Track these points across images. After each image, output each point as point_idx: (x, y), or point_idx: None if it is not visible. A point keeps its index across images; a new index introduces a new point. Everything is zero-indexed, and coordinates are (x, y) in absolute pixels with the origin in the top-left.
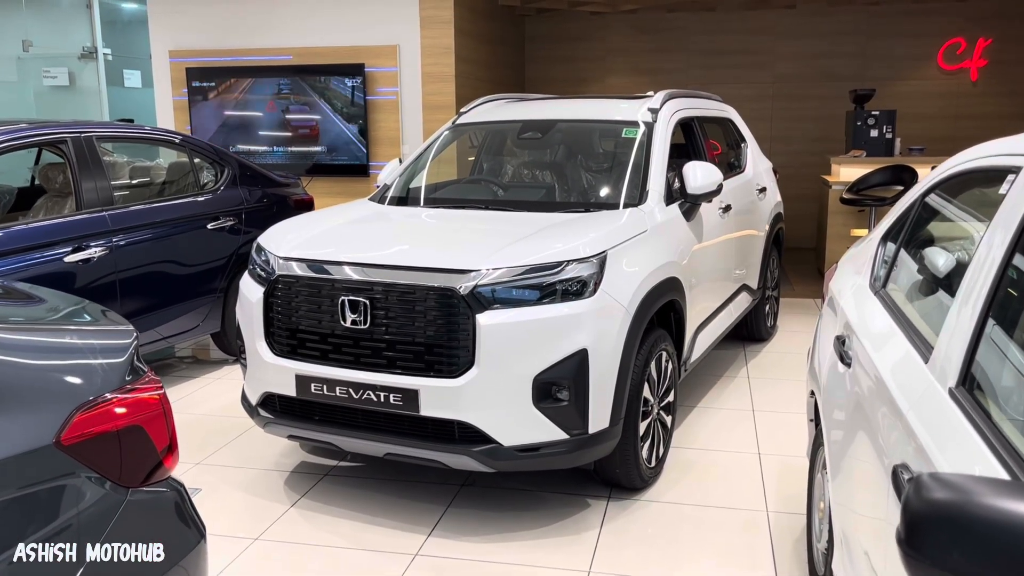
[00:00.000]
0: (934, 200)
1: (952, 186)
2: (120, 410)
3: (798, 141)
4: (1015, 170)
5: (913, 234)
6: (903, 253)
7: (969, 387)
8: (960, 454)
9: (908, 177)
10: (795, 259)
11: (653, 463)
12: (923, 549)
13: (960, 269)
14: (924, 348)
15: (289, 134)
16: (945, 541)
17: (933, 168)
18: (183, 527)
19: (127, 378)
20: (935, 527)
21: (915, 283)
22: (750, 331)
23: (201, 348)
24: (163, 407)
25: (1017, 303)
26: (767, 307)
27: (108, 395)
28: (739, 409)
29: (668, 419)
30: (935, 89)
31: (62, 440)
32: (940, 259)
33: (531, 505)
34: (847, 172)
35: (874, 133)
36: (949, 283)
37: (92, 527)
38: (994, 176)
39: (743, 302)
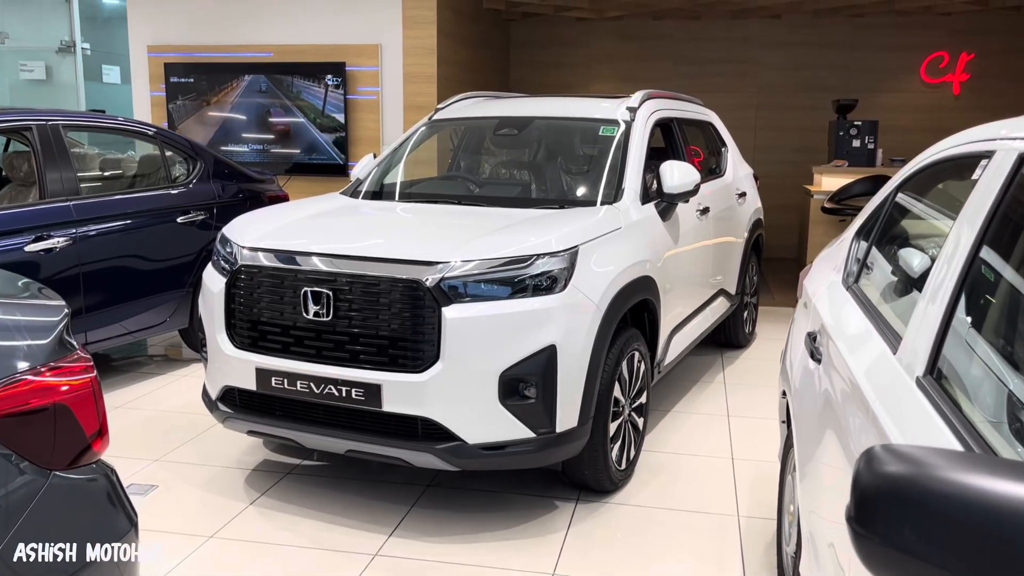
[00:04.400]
0: (907, 194)
1: (925, 177)
2: (43, 389)
3: (781, 151)
4: (988, 155)
5: (885, 229)
6: (875, 248)
7: (936, 376)
8: (927, 440)
9: None
10: (776, 268)
11: (623, 465)
12: (873, 527)
13: (929, 262)
14: (893, 339)
15: (268, 133)
16: (897, 517)
17: None
18: (112, 512)
19: (54, 355)
20: (886, 502)
21: (886, 276)
22: (728, 337)
23: (173, 347)
24: (92, 387)
25: (986, 292)
26: (745, 313)
27: (30, 373)
28: (714, 414)
29: (640, 421)
30: (918, 102)
31: None
32: (910, 253)
33: (497, 507)
34: (829, 182)
35: (856, 143)
36: (919, 275)
37: (10, 510)
38: (967, 164)
39: (720, 307)
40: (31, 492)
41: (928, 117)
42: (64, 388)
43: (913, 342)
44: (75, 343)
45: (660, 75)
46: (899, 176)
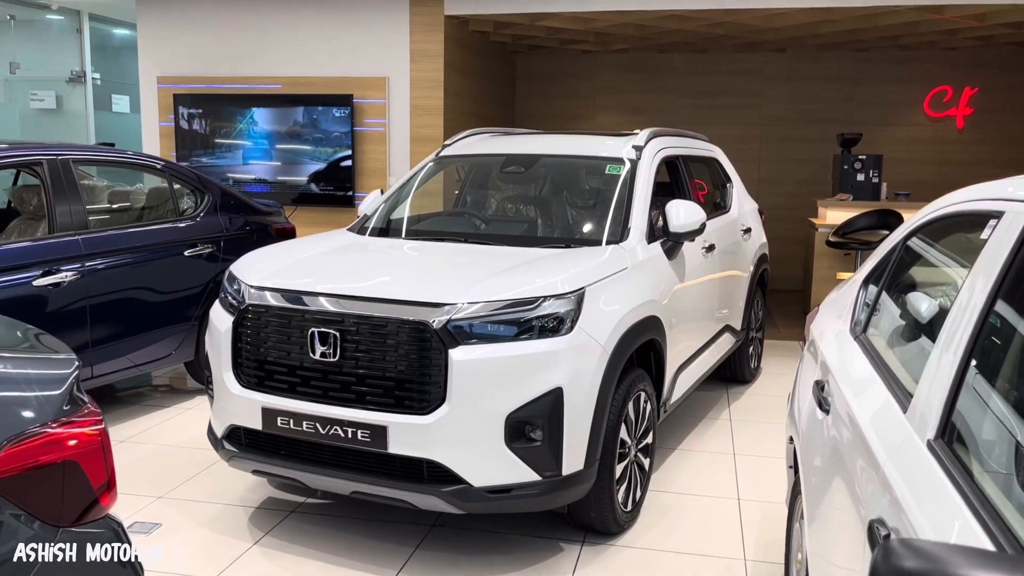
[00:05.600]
0: (916, 244)
1: (934, 230)
2: (53, 444)
3: (785, 183)
4: (997, 215)
5: (894, 278)
6: (884, 297)
7: (948, 439)
8: (937, 510)
9: (894, 221)
10: (781, 301)
11: (629, 507)
12: None
13: (941, 316)
14: (903, 397)
15: (275, 163)
16: None
17: None
18: (118, 571)
19: (64, 410)
20: None
21: (896, 329)
22: (733, 372)
23: (178, 376)
24: (101, 442)
25: (998, 352)
26: (751, 348)
27: (40, 428)
28: (720, 452)
29: (646, 461)
30: (921, 135)
31: None
32: (921, 305)
33: (503, 548)
34: (833, 215)
35: (861, 177)
36: (930, 329)
37: (19, 569)
38: (976, 221)
39: (726, 343)
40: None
41: (932, 150)
42: (74, 443)
43: (924, 402)
44: (85, 397)
45: (665, 107)
46: (907, 226)
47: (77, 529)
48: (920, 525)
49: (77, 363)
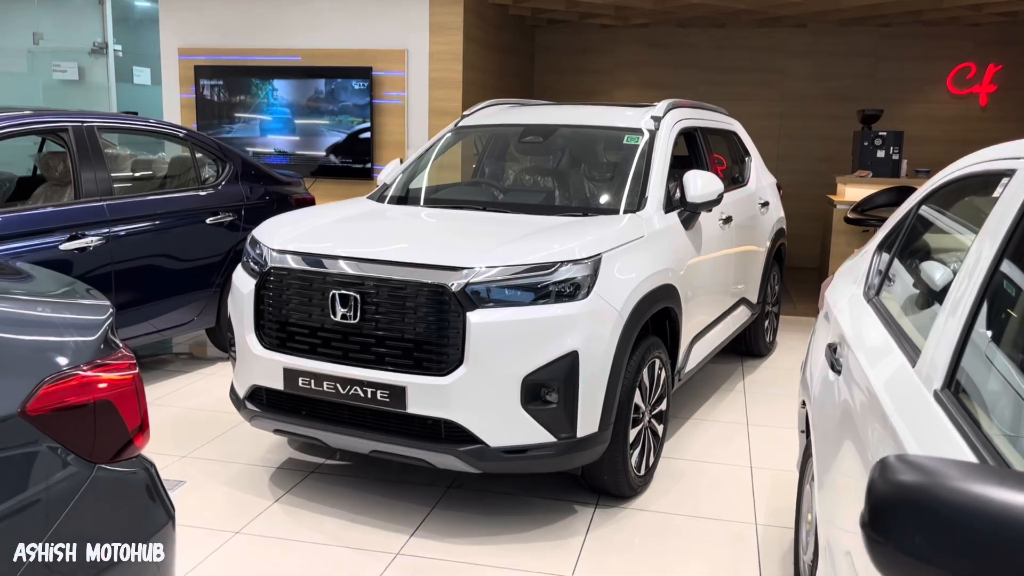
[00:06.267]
0: (929, 208)
1: (948, 193)
2: (88, 384)
3: (805, 160)
4: (1009, 173)
5: (908, 242)
6: (897, 261)
7: (955, 390)
8: (943, 455)
9: None
10: (798, 278)
11: (643, 471)
12: (886, 532)
13: (950, 277)
14: (912, 352)
15: (295, 135)
16: (909, 525)
17: None
18: (151, 505)
19: (100, 351)
20: (899, 510)
21: (907, 291)
22: (748, 346)
23: (198, 345)
24: (135, 384)
25: (1005, 306)
26: (766, 322)
27: (75, 370)
28: (733, 422)
29: (660, 428)
30: (944, 112)
31: (28, 410)
32: (932, 266)
33: (518, 509)
34: (852, 192)
35: (881, 154)
36: (940, 292)
37: (57, 500)
38: (990, 181)
39: (741, 316)
40: (77, 483)
41: (954, 128)
42: (108, 385)
43: (932, 355)
44: (119, 342)
45: (684, 82)
46: (922, 191)
47: (112, 466)
48: None
49: (111, 309)
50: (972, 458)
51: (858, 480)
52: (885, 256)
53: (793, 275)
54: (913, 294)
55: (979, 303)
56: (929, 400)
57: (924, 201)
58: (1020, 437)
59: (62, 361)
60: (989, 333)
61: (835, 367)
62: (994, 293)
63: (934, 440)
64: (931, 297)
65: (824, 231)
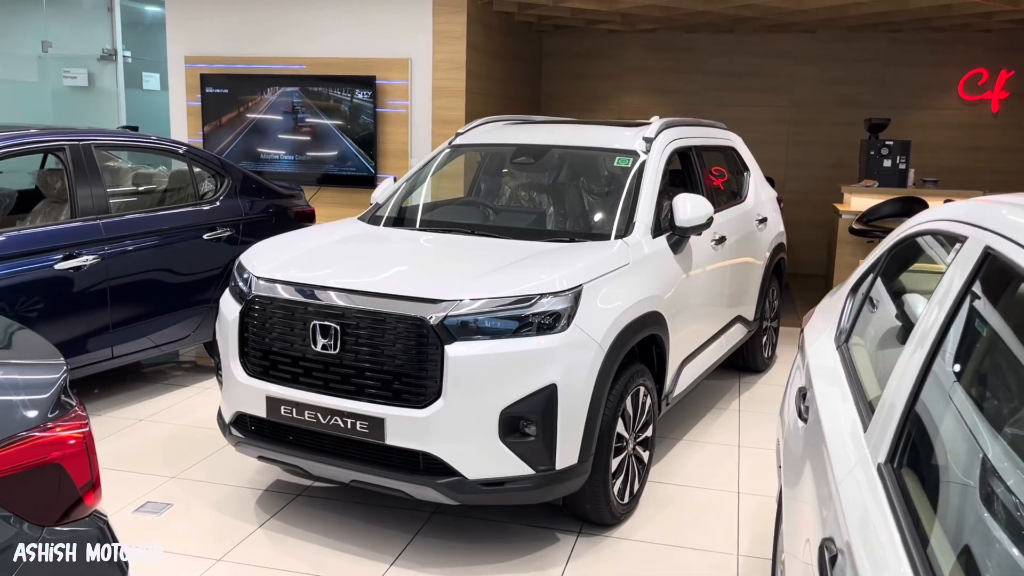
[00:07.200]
0: (894, 262)
1: (911, 247)
2: (39, 448)
3: (812, 166)
4: (962, 239)
5: (875, 291)
6: (865, 309)
7: (898, 464)
8: (872, 539)
9: (919, 209)
10: (804, 285)
11: (626, 499)
12: None
13: (903, 338)
14: (867, 415)
15: (299, 143)
16: None
17: (945, 201)
18: (101, 566)
19: (50, 415)
20: None
21: (871, 343)
22: (746, 361)
23: (202, 353)
24: (86, 444)
25: (949, 381)
26: (764, 338)
27: (27, 432)
28: (725, 444)
29: (645, 454)
30: (954, 119)
31: None
32: (890, 325)
33: (500, 537)
34: (858, 202)
35: (887, 163)
36: (894, 353)
37: (4, 567)
38: (947, 241)
39: (736, 334)
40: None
41: (964, 135)
42: (59, 447)
43: (881, 424)
44: (72, 401)
45: (692, 88)
46: (890, 238)
47: (61, 528)
48: (858, 551)
49: (64, 367)
50: (900, 548)
51: (809, 538)
52: (857, 300)
53: (799, 282)
54: (875, 351)
55: (923, 376)
56: (872, 473)
57: (891, 251)
58: (947, 516)
59: (12, 425)
60: (932, 409)
61: (802, 415)
62: (938, 367)
63: (868, 521)
64: (888, 357)
65: (830, 238)
